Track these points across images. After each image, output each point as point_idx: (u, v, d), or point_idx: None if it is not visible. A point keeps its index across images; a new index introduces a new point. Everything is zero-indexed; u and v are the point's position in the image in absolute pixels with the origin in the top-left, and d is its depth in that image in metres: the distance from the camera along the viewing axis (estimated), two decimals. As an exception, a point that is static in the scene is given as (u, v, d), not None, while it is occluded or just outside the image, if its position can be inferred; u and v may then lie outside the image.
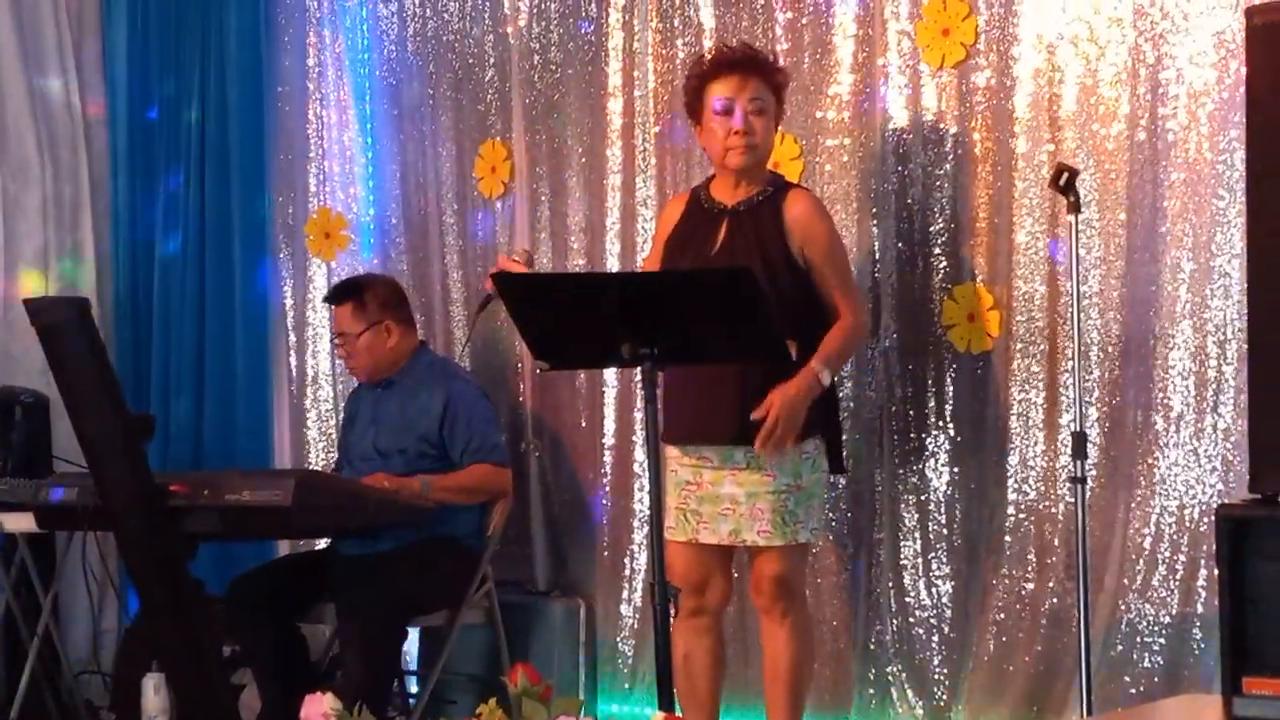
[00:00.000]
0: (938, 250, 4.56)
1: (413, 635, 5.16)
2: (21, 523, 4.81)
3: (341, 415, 5.40)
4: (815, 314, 4.12)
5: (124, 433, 4.27)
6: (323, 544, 5.28)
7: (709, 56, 4.32)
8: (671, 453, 4.22)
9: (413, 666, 5.27)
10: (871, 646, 4.61)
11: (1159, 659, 4.18)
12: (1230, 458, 4.12)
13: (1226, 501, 3.90)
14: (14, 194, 5.89)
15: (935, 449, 4.55)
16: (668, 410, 4.15)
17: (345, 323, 5.04)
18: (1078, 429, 3.98)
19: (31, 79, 5.92)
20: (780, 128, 4.43)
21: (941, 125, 4.56)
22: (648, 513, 4.65)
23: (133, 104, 6.09)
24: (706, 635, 4.22)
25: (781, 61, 4.64)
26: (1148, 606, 4.20)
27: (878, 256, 4.63)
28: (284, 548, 5.56)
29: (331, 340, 5.47)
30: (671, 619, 3.58)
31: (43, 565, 5.30)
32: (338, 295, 5.11)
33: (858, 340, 4.26)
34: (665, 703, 3.47)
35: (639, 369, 3.73)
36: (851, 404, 4.61)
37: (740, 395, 4.07)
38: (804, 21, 4.76)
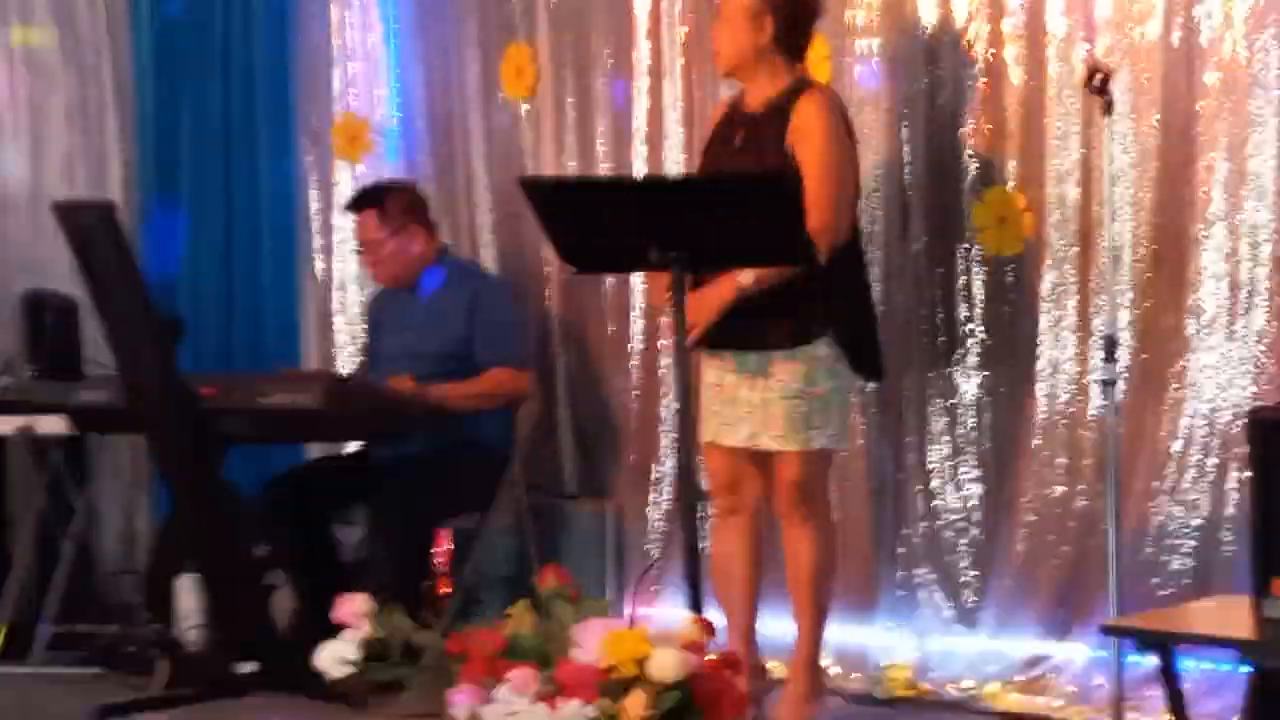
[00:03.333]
0: (968, 153, 4.53)
1: (443, 537, 5.19)
2: (54, 424, 4.84)
3: (366, 321, 5.40)
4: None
5: (153, 335, 4.29)
6: (354, 447, 5.30)
7: None
8: (704, 357, 4.22)
9: (443, 569, 5.31)
10: (900, 550, 4.62)
11: (1188, 561, 4.18)
12: (1262, 360, 4.10)
13: (1258, 404, 3.89)
14: (38, 99, 5.87)
15: (964, 353, 4.53)
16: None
17: (368, 230, 5.02)
18: (1109, 332, 3.96)
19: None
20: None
21: (972, 26, 4.50)
22: (675, 417, 4.66)
23: (155, 7, 6.05)
24: (742, 535, 4.23)
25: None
26: (1177, 509, 4.19)
27: (907, 160, 4.59)
28: (315, 451, 5.59)
29: (355, 248, 5.44)
30: (703, 519, 3.59)
31: (75, 468, 5.34)
32: (359, 203, 5.09)
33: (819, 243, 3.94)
34: (694, 604, 3.49)
35: (667, 272, 3.71)
36: (881, 308, 4.58)
37: (747, 300, 4.05)
38: (835, -80, 4.69)
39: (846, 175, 4.12)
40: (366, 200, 5.06)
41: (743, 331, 4.07)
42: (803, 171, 3.97)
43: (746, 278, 3.98)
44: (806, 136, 4.04)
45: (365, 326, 5.41)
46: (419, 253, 5.02)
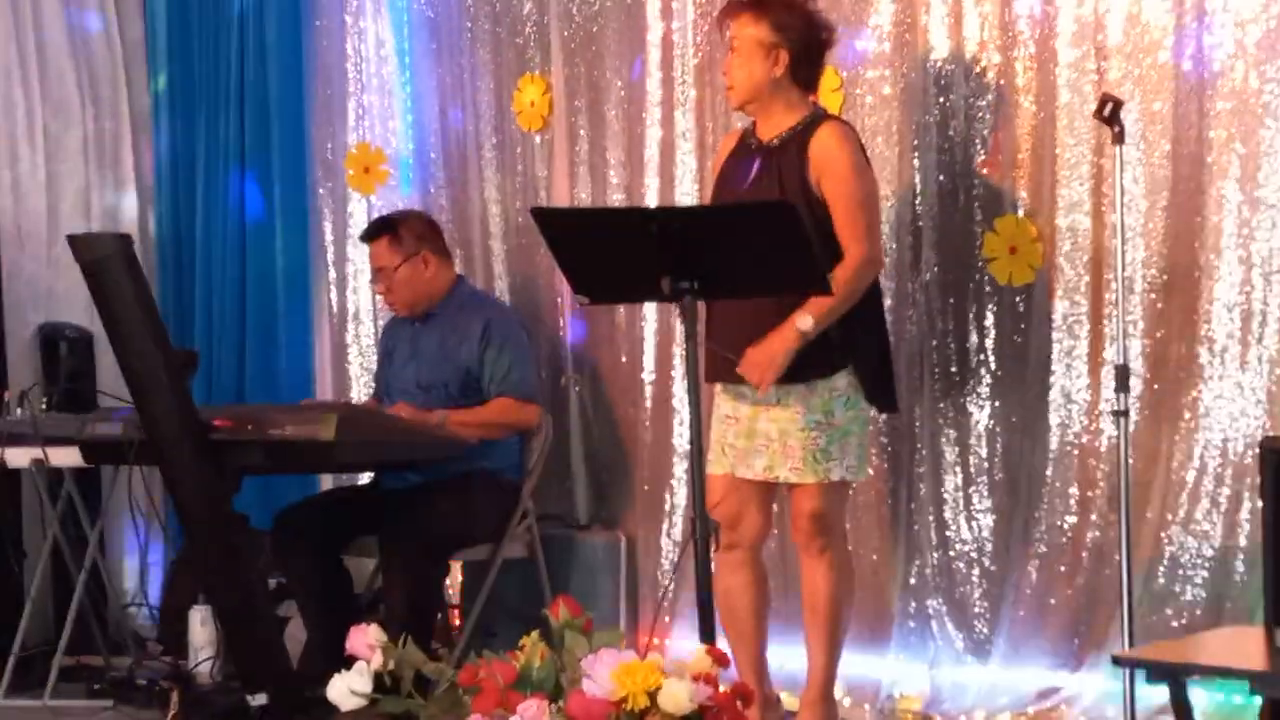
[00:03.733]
0: (979, 182, 4.53)
1: (455, 569, 5.19)
2: (68, 457, 4.85)
3: (379, 350, 5.41)
4: (833, 250, 4.04)
5: (168, 367, 4.29)
6: (366, 478, 5.31)
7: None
8: (716, 388, 4.22)
9: (455, 600, 5.31)
10: (912, 581, 4.61)
11: (1201, 592, 4.17)
12: (1275, 389, 4.10)
13: (1270, 434, 3.88)
14: (55, 132, 5.91)
15: (976, 383, 4.53)
16: (705, 348, 4.15)
17: (382, 257, 5.04)
18: (1121, 362, 3.95)
19: (71, 16, 5.92)
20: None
21: (984, 55, 4.51)
22: (687, 447, 4.66)
23: (172, 41, 6.09)
24: (743, 569, 4.23)
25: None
26: (1190, 539, 4.18)
27: (918, 189, 4.60)
28: (328, 481, 5.60)
29: (370, 279, 5.45)
30: (712, 553, 3.59)
31: (89, 499, 5.35)
32: (372, 231, 5.12)
33: (861, 277, 4.06)
34: (707, 635, 3.48)
35: (679, 303, 3.72)
36: (892, 338, 4.58)
37: (759, 334, 4.05)
38: (845, -48, 4.72)
39: (876, 204, 4.19)
40: (379, 228, 5.09)
41: None
42: (833, 206, 4.02)
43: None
44: (831, 171, 4.06)
45: (378, 356, 5.42)
46: (432, 279, 5.03)
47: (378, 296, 5.56)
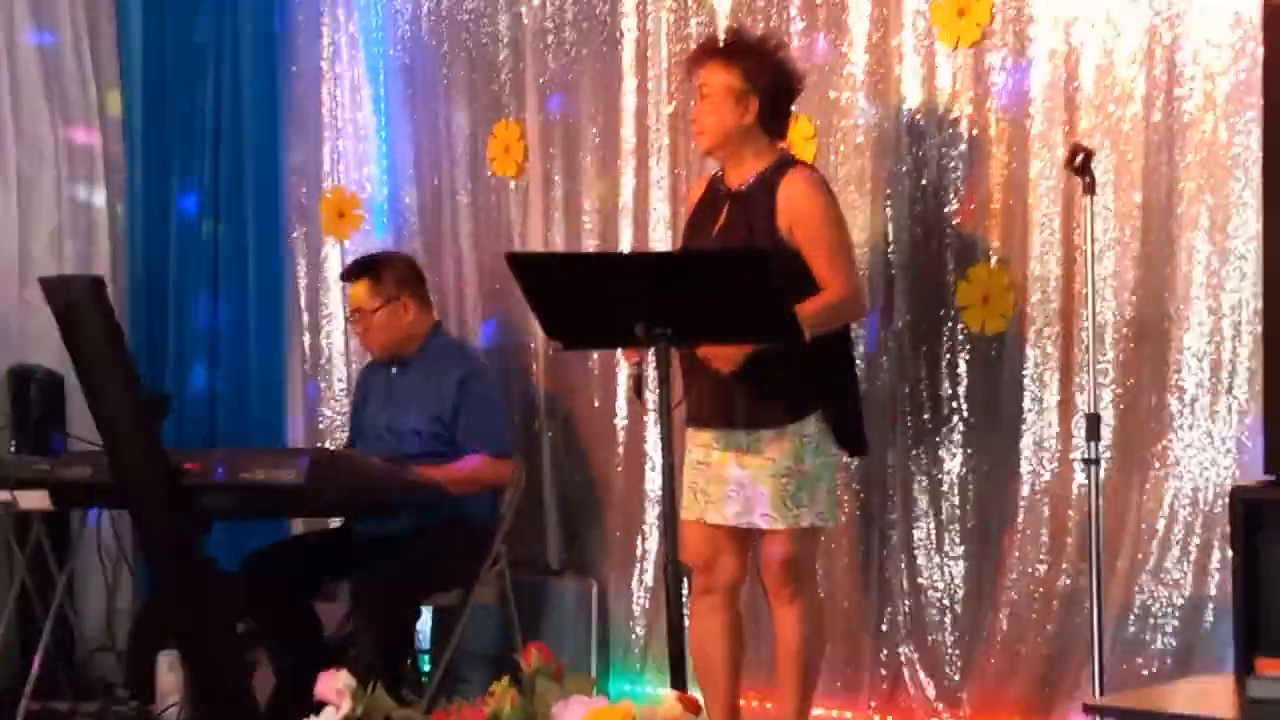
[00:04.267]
0: (951, 231, 4.56)
1: (425, 614, 5.16)
2: (36, 500, 4.82)
3: (354, 394, 5.40)
4: (800, 296, 4.01)
5: (139, 410, 4.27)
6: (337, 523, 5.28)
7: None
8: (689, 433, 4.23)
9: (425, 645, 5.28)
10: (884, 628, 4.61)
11: (1172, 641, 4.18)
12: (1244, 440, 4.11)
13: (1241, 483, 3.90)
14: (29, 174, 5.90)
15: (948, 430, 4.54)
16: (684, 391, 4.16)
17: (361, 299, 5.03)
18: (1092, 410, 3.97)
19: (47, 59, 5.92)
20: (795, 108, 4.41)
21: (956, 105, 4.54)
22: (660, 493, 4.66)
23: (147, 83, 6.09)
24: (719, 614, 4.22)
25: (794, 41, 4.64)
26: (1161, 588, 4.19)
27: (891, 238, 4.62)
28: (299, 526, 5.57)
29: (346, 318, 5.44)
30: (685, 598, 3.59)
31: (57, 543, 5.32)
32: (354, 272, 5.10)
33: (840, 311, 4.07)
34: (678, 680, 3.47)
35: (652, 349, 3.73)
36: (864, 385, 4.59)
37: (734, 379, 4.06)
38: (818, 1, 4.75)
39: (852, 249, 4.22)
40: (362, 269, 5.07)
41: (733, 409, 4.07)
42: (811, 254, 4.04)
43: None
44: (803, 218, 4.06)
45: (352, 401, 5.41)
46: (411, 323, 5.02)
47: (352, 340, 5.55)
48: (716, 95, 4.13)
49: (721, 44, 4.24)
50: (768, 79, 4.15)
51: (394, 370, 5.06)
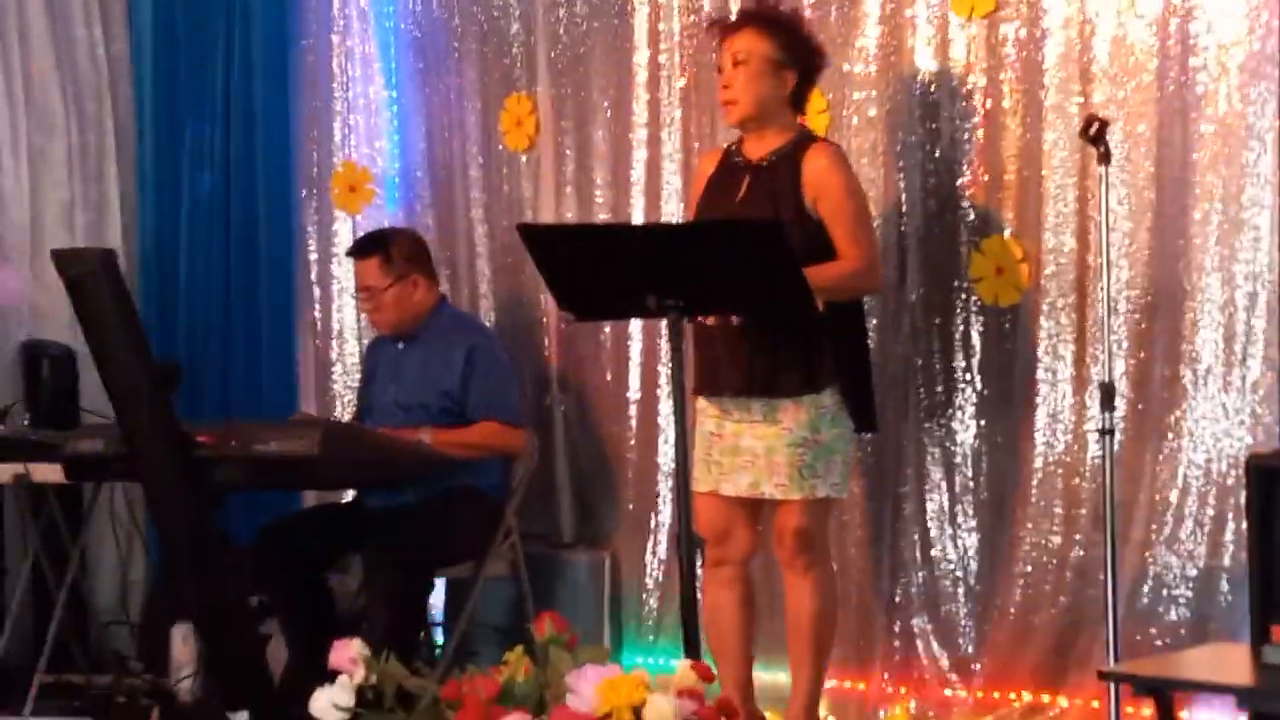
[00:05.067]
0: (965, 203, 4.55)
1: (438, 586, 5.17)
2: (50, 474, 4.82)
3: (361, 369, 5.40)
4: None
5: (150, 382, 4.27)
6: (349, 495, 5.29)
7: (715, 21, 4.35)
8: (699, 404, 4.23)
9: (438, 618, 5.29)
10: (897, 599, 4.61)
11: (1185, 612, 4.18)
12: (1258, 410, 4.11)
13: (1256, 450, 3.89)
14: (39, 145, 5.89)
15: (962, 402, 4.54)
16: (694, 362, 4.16)
17: (371, 277, 5.02)
18: (1106, 380, 3.96)
19: (57, 29, 5.92)
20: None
21: (970, 77, 4.53)
22: (672, 465, 4.66)
23: (157, 57, 6.08)
24: (732, 586, 4.23)
25: (807, 13, 4.63)
26: (1174, 559, 4.19)
27: (905, 210, 4.61)
28: (310, 499, 5.58)
29: (355, 294, 5.44)
30: (698, 569, 3.59)
31: (71, 516, 5.33)
32: (363, 249, 5.08)
33: (855, 282, 4.10)
34: (691, 650, 3.48)
35: (665, 320, 3.73)
36: (878, 358, 4.59)
37: (753, 348, 4.06)
38: (831, -27, 4.74)
39: (872, 223, 4.25)
40: (370, 247, 5.05)
41: (751, 378, 4.07)
42: (833, 225, 4.06)
43: None
44: (827, 190, 4.08)
45: (361, 374, 5.41)
46: (420, 300, 5.02)
47: (362, 314, 5.55)
48: (755, 64, 4.11)
49: (756, 12, 4.22)
50: (804, 53, 4.18)
51: (400, 345, 5.06)
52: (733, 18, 4.42)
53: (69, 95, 5.92)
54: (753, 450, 4.10)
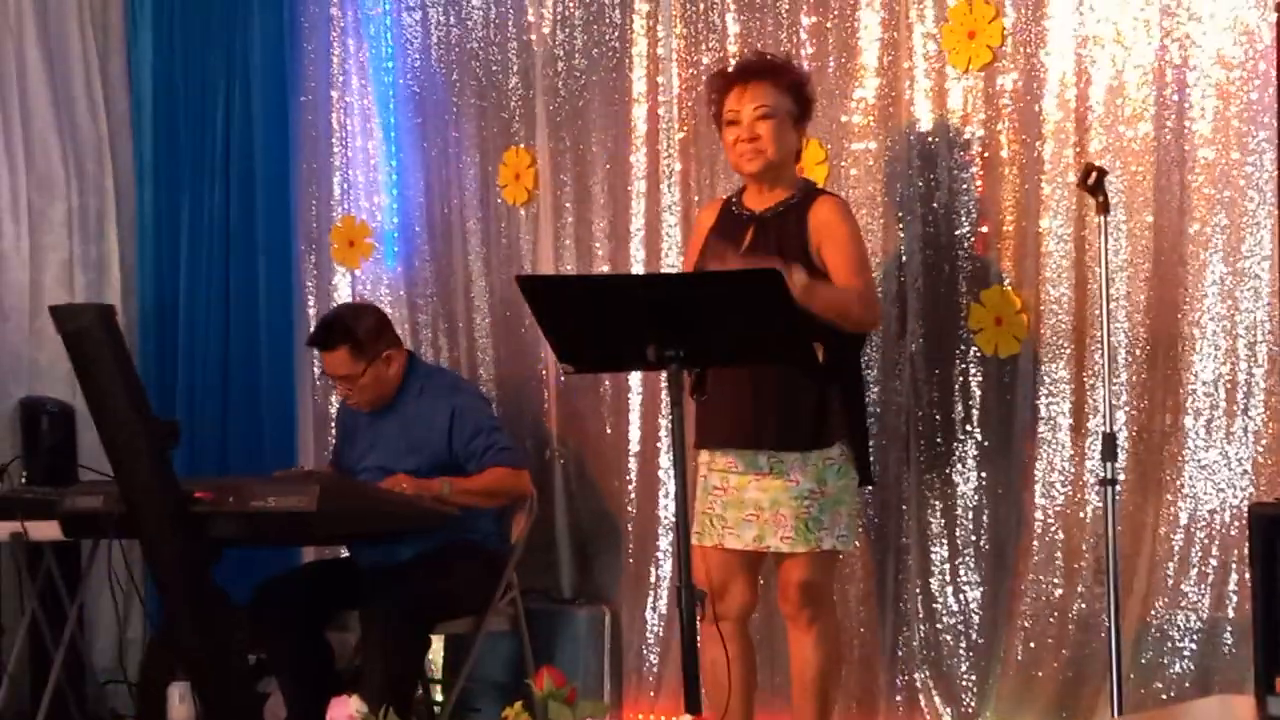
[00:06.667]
0: (964, 254, 4.54)
1: (436, 643, 5.14)
2: (47, 531, 4.81)
3: (336, 429, 5.35)
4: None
5: (149, 439, 4.26)
6: (347, 551, 5.26)
7: (725, 70, 4.35)
8: (701, 458, 4.21)
9: (436, 674, 5.26)
10: (899, 653, 4.58)
11: (1190, 664, 4.15)
12: (1261, 461, 4.09)
13: (1259, 499, 3.87)
14: (39, 206, 5.91)
15: (962, 454, 4.52)
16: (696, 415, 4.15)
17: (343, 367, 4.88)
18: (1108, 430, 3.94)
19: (57, 91, 5.94)
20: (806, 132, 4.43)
21: (967, 128, 4.54)
22: (673, 519, 4.64)
23: (157, 114, 6.10)
24: (730, 642, 4.18)
25: (805, 65, 4.65)
26: (1178, 611, 4.16)
27: (904, 260, 4.61)
28: (309, 554, 5.55)
29: (324, 379, 5.32)
30: (698, 623, 3.57)
31: (68, 574, 5.31)
32: (327, 341, 4.91)
33: (859, 310, 4.06)
34: (692, 705, 3.45)
35: (664, 372, 3.71)
36: (878, 409, 4.58)
37: (759, 400, 4.05)
38: (829, 25, 4.75)
39: (870, 268, 4.25)
40: (335, 338, 4.89)
41: (760, 431, 4.06)
42: (833, 264, 4.07)
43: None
44: (831, 235, 4.09)
45: (336, 433, 5.33)
46: (395, 373, 4.95)
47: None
48: (781, 116, 4.14)
49: (774, 66, 4.24)
50: (810, 109, 4.25)
51: (373, 414, 5.00)
52: (730, 68, 4.42)
53: (69, 156, 5.94)
54: (758, 503, 4.09)
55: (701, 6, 4.98)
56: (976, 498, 4.50)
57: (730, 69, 4.35)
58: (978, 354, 4.50)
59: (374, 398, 4.96)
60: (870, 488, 4.45)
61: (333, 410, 5.76)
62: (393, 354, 4.95)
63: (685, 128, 5.05)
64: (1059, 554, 4.36)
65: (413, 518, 4.62)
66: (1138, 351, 4.28)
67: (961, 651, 4.49)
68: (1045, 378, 4.40)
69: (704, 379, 4.08)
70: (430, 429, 4.87)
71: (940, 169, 4.56)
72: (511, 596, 4.93)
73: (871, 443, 4.37)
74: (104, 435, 4.39)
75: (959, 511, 4.51)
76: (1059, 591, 4.35)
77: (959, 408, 4.53)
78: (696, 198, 4.99)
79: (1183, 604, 4.16)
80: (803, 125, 4.24)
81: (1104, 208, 3.93)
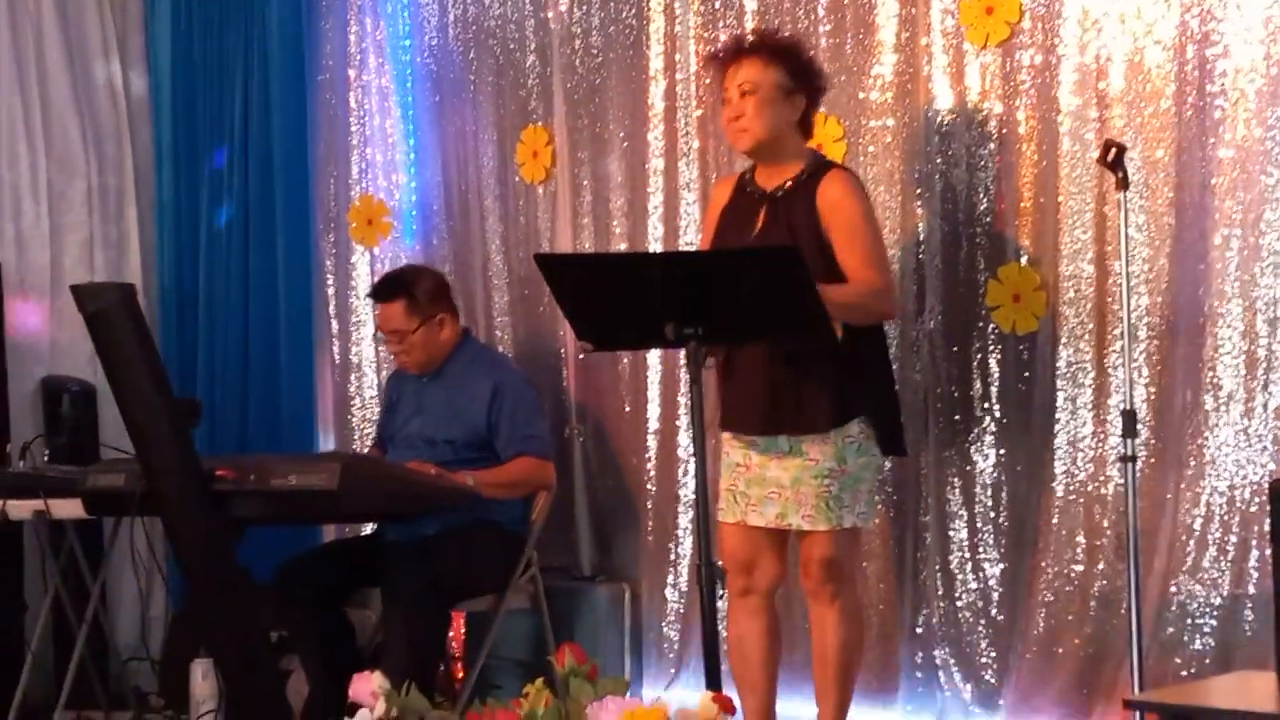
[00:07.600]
0: (982, 231, 4.53)
1: (457, 620, 5.16)
2: (70, 509, 4.83)
3: (381, 399, 5.39)
4: None
5: (170, 417, 4.28)
6: (369, 529, 5.28)
7: (715, 52, 4.34)
8: (724, 435, 4.21)
9: (458, 652, 5.28)
10: (919, 630, 4.58)
11: (1210, 641, 4.14)
12: (1280, 435, 4.09)
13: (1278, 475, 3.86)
14: (59, 186, 5.93)
15: (981, 431, 4.52)
16: (718, 395, 4.15)
17: (397, 320, 4.97)
18: (1128, 406, 3.93)
19: (76, 71, 5.96)
20: (824, 109, 4.41)
21: (985, 105, 4.52)
22: (692, 496, 4.64)
23: (176, 94, 6.12)
24: (757, 616, 4.20)
25: (822, 42, 4.64)
26: (1198, 587, 4.16)
27: (922, 238, 4.61)
28: (330, 533, 5.57)
29: (378, 335, 5.38)
30: (719, 600, 3.57)
31: (91, 551, 5.33)
32: (386, 292, 5.01)
33: (873, 303, 4.04)
34: (713, 681, 3.46)
35: (683, 349, 3.72)
36: (897, 387, 4.57)
37: (778, 383, 4.05)
38: (846, 2, 4.74)
39: (884, 247, 4.22)
40: (394, 289, 4.99)
41: (778, 414, 4.06)
42: (844, 249, 4.03)
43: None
44: (840, 214, 4.06)
45: (381, 406, 5.40)
46: (447, 338, 5.01)
47: (380, 348, 5.54)
48: (765, 92, 4.10)
49: (759, 41, 4.22)
50: (811, 77, 4.17)
51: (424, 379, 5.05)
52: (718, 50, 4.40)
53: (88, 136, 5.95)
54: (779, 481, 4.09)
55: (718, -17, 4.98)
56: (995, 475, 4.49)
57: (716, 50, 4.33)
58: (996, 331, 4.49)
59: (424, 359, 4.98)
60: (891, 462, 4.44)
61: (352, 389, 5.79)
62: (446, 318, 4.99)
63: (703, 105, 5.04)
64: (1079, 531, 4.35)
65: (435, 496, 4.64)
66: (1158, 327, 4.27)
67: (981, 628, 4.49)
68: (1064, 355, 4.39)
69: (731, 362, 4.08)
70: (472, 399, 4.89)
71: (958, 146, 4.55)
72: (531, 574, 4.95)
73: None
74: (125, 414, 4.40)
75: (978, 489, 4.51)
76: (1079, 568, 4.35)
77: (977, 385, 4.52)
78: (714, 175, 4.98)
79: (1203, 580, 4.15)
80: (799, 96, 4.14)
81: (1123, 183, 3.92)
